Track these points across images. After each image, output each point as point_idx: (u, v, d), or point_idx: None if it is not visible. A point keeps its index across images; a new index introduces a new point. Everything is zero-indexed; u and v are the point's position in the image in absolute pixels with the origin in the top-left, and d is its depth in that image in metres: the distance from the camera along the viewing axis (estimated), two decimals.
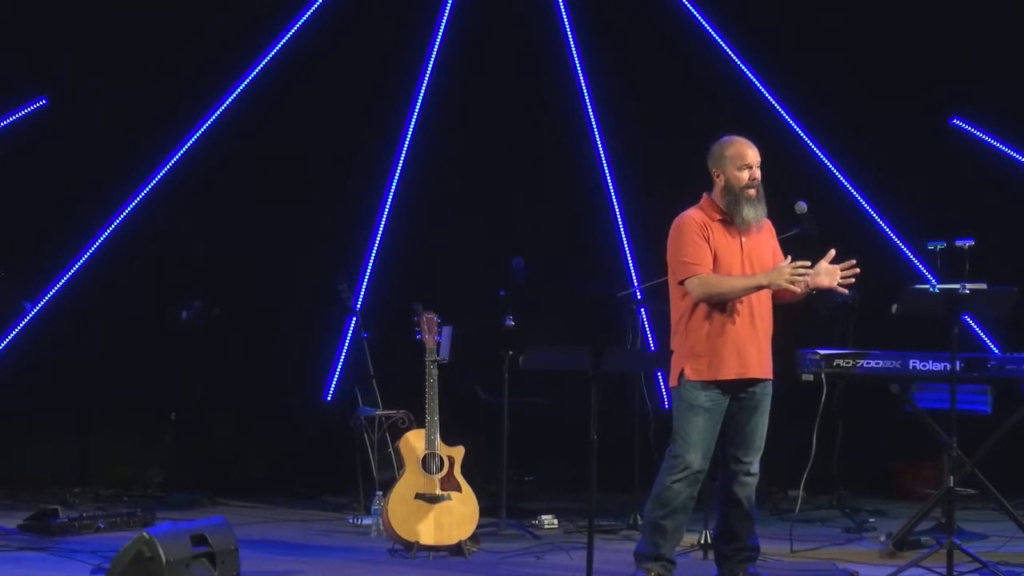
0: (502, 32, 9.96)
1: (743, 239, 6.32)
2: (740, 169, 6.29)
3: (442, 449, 7.33)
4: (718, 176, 6.34)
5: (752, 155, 6.32)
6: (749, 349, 6.26)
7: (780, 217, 7.59)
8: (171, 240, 9.85)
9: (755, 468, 6.38)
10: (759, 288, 6.23)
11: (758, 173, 6.31)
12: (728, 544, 6.44)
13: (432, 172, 10.06)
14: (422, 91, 10.14)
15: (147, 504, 8.77)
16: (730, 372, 6.24)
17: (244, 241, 9.83)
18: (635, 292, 8.67)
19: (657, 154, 9.74)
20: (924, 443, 7.85)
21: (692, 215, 6.34)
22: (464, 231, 9.97)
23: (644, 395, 8.40)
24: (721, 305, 6.24)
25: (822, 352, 7.61)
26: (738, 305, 6.24)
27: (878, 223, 9.94)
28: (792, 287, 6.19)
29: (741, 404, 6.31)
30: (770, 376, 6.36)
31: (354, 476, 8.78)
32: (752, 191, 6.28)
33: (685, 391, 6.28)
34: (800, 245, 7.54)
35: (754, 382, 6.30)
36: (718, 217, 6.33)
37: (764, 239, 6.40)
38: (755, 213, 6.30)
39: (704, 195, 6.41)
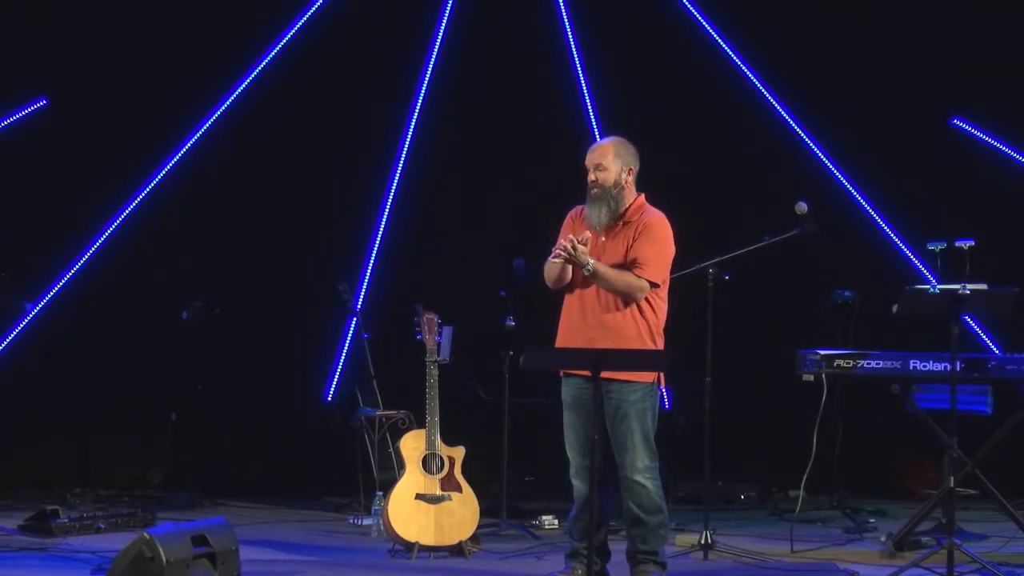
0: (502, 33, 9.95)
1: (603, 238, 6.36)
2: (586, 172, 6.43)
3: (442, 449, 7.33)
4: None
5: (588, 159, 6.46)
6: (578, 346, 6.26)
7: (780, 217, 7.59)
8: (172, 240, 9.84)
9: (634, 474, 6.25)
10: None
11: (594, 175, 6.40)
12: (629, 544, 6.40)
13: (433, 172, 10.06)
14: (422, 91, 10.14)
15: (147, 504, 8.76)
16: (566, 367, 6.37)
17: (245, 241, 9.83)
18: None
19: (657, 155, 9.70)
20: (924, 443, 7.84)
21: (573, 209, 6.55)
22: (464, 231, 9.96)
23: None
24: (566, 300, 6.39)
25: (822, 352, 7.61)
26: (572, 301, 6.35)
27: (878, 223, 9.94)
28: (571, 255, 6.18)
29: (606, 406, 6.26)
30: (629, 379, 6.23)
31: (354, 476, 8.77)
32: (594, 191, 6.40)
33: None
34: (800, 245, 7.57)
35: (610, 383, 6.21)
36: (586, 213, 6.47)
37: (623, 238, 6.35)
38: (595, 213, 6.38)
39: None
